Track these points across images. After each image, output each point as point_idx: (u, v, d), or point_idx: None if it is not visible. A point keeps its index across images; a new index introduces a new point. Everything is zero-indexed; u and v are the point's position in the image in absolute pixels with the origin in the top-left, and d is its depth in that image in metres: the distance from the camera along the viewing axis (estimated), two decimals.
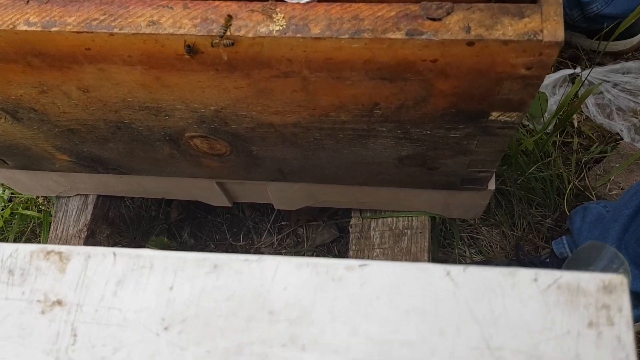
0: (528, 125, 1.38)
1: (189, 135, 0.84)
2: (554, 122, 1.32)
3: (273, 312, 0.40)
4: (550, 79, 1.41)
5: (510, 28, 0.58)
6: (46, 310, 0.43)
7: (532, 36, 0.57)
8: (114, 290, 0.43)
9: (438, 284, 0.38)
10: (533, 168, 1.30)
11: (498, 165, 1.25)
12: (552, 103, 1.38)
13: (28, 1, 0.63)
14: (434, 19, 0.59)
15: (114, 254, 0.44)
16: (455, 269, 0.39)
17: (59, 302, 0.43)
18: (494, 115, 0.72)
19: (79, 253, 0.44)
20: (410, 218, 1.10)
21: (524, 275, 0.39)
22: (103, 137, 0.87)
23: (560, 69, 1.47)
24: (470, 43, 0.59)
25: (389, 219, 1.12)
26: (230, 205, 1.17)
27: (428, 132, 0.77)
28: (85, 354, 0.43)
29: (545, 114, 1.34)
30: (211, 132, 0.82)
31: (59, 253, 0.44)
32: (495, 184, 0.99)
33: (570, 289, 0.38)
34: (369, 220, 1.13)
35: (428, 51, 0.60)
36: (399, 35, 0.59)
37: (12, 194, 1.47)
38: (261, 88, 0.69)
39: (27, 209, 1.43)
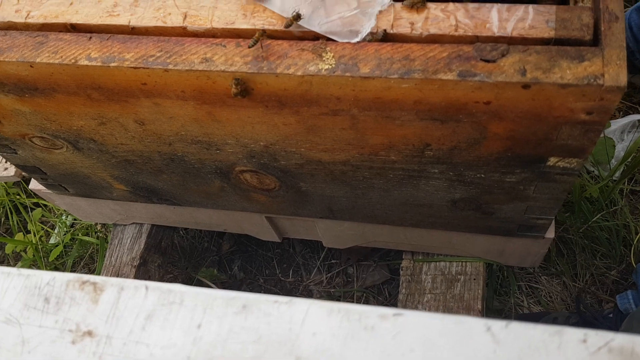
0: (593, 171, 1.31)
1: (239, 170, 0.84)
2: (622, 169, 1.26)
3: (300, 358, 0.39)
4: (618, 124, 1.35)
5: (568, 71, 0.56)
6: (77, 340, 0.43)
7: (592, 80, 0.54)
8: (143, 324, 0.43)
9: (478, 339, 0.36)
10: (598, 216, 1.23)
11: (560, 212, 1.19)
12: (620, 149, 1.32)
13: (90, 37, 0.66)
14: (487, 61, 0.57)
15: (146, 288, 0.43)
16: (497, 325, 0.37)
17: (90, 333, 0.43)
18: (552, 160, 0.69)
19: (113, 285, 0.44)
20: (464, 263, 1.06)
21: (572, 335, 0.35)
22: (157, 168, 0.89)
23: (630, 114, 1.41)
24: (525, 86, 0.57)
25: (442, 263, 1.08)
26: (279, 241, 1.16)
27: (482, 175, 0.74)
28: None
29: (612, 160, 1.28)
30: (261, 167, 0.82)
31: (94, 284, 0.44)
32: (556, 231, 0.94)
33: (623, 353, 0.34)
34: (420, 263, 1.10)
35: (481, 93, 0.59)
36: (450, 76, 0.57)
37: (75, 220, 1.52)
38: (310, 125, 0.69)
39: (87, 235, 1.48)
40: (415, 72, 0.58)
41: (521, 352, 0.35)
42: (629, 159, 1.23)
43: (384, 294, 1.37)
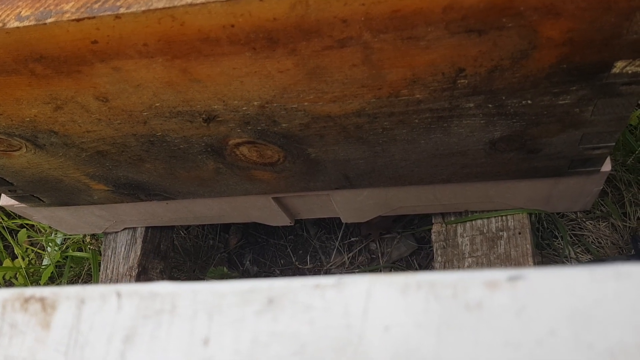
0: None
1: (233, 143, 0.70)
2: None
3: None
4: None
5: None
6: None
7: None
8: (120, 350, 0.29)
9: None
10: None
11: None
12: None
13: None
14: None
15: (118, 295, 0.29)
16: None
17: None
18: (619, 66, 0.55)
19: (69, 297, 0.30)
20: (504, 217, 0.93)
21: None
22: (137, 156, 0.74)
23: None
24: None
25: (479, 221, 0.95)
26: (291, 224, 1.03)
27: (529, 101, 0.60)
28: None
29: None
30: (259, 136, 0.68)
31: (41, 300, 0.30)
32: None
33: None
34: (454, 225, 0.96)
35: None
36: None
37: (66, 236, 1.38)
38: (312, 67, 0.55)
39: (79, 250, 1.34)
40: None
41: None
42: None
43: (414, 266, 1.23)
